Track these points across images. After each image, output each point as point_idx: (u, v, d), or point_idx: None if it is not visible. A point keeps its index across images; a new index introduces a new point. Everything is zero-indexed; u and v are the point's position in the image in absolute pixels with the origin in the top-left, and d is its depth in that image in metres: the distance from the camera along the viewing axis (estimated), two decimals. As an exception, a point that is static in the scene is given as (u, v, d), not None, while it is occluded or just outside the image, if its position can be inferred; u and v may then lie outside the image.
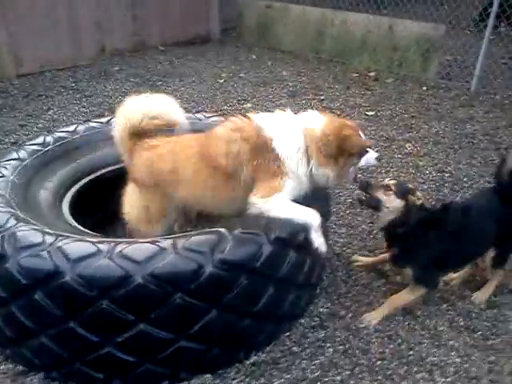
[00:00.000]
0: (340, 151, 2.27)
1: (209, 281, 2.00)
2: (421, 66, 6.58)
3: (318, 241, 2.25)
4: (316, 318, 2.65)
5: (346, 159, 2.32)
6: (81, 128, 3.11)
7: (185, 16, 8.09)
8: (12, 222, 2.14)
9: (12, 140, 4.78)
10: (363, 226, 3.46)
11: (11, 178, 2.55)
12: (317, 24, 7.39)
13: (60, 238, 2.01)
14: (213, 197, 2.38)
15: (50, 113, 5.45)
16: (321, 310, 2.72)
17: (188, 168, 2.35)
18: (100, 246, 1.98)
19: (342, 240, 3.31)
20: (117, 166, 2.92)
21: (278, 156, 2.22)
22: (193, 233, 2.13)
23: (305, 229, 2.25)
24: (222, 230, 2.11)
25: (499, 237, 2.71)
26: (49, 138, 2.97)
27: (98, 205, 2.94)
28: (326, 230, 2.68)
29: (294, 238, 2.23)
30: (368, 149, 2.44)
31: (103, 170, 2.97)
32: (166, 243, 2.02)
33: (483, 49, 6.04)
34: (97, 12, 7.08)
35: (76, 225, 2.41)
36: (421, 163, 4.34)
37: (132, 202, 2.54)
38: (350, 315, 2.69)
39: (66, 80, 6.48)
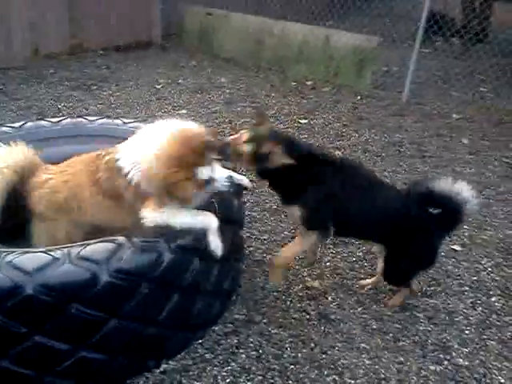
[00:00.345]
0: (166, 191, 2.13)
1: (105, 290, 1.95)
2: (356, 76, 6.74)
3: (214, 243, 2.22)
4: (230, 325, 2.64)
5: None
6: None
7: (125, 20, 7.95)
8: None
9: None
10: (286, 233, 3.49)
11: None
12: (256, 32, 7.46)
13: None
14: (110, 215, 2.38)
15: (-28, 116, 5.22)
16: (236, 316, 2.70)
17: (82, 192, 2.38)
18: None
19: (263, 247, 3.32)
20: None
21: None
22: (90, 242, 2.07)
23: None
24: (120, 238, 2.06)
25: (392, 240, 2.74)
26: None
27: (7, 213, 2.80)
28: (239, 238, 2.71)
29: (197, 245, 2.21)
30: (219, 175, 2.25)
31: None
32: (60, 253, 1.95)
33: (413, 60, 6.28)
34: (30, 12, 6.83)
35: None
36: (348, 170, 4.43)
37: (39, 233, 2.53)
38: (264, 321, 2.69)
39: (-5, 82, 6.24)
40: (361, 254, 3.29)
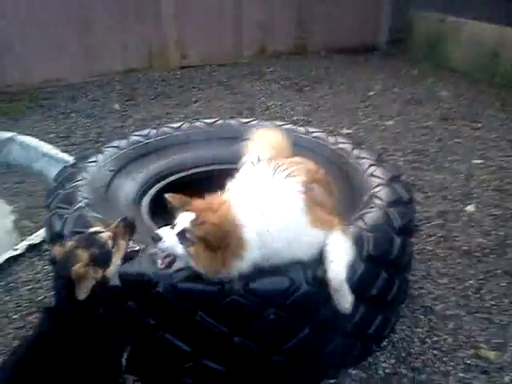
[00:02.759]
0: None
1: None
2: None
3: (342, 300, 1.89)
4: (370, 372, 2.30)
5: None
6: (185, 126, 3.18)
7: (351, 23, 7.81)
8: None
9: (154, 125, 5.14)
10: (471, 282, 2.92)
11: (102, 164, 2.70)
12: (493, 43, 6.54)
13: None
14: None
15: (195, 105, 5.78)
16: (382, 364, 2.35)
17: None
18: None
19: (437, 291, 2.83)
20: (208, 168, 2.99)
21: None
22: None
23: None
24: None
25: None
26: (153, 132, 3.09)
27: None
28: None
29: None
30: None
31: (191, 171, 2.98)
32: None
33: None
34: (261, 13, 7.27)
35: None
36: None
37: None
38: (416, 379, 2.28)
39: (222, 76, 6.81)
40: None
